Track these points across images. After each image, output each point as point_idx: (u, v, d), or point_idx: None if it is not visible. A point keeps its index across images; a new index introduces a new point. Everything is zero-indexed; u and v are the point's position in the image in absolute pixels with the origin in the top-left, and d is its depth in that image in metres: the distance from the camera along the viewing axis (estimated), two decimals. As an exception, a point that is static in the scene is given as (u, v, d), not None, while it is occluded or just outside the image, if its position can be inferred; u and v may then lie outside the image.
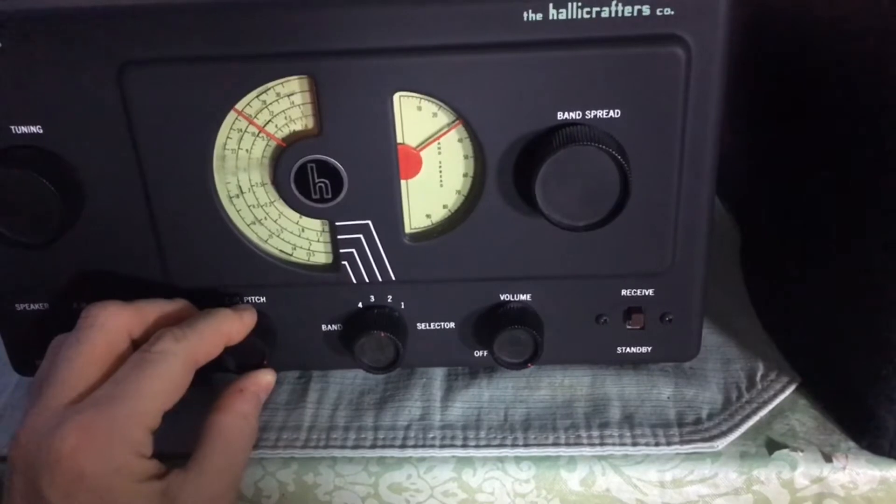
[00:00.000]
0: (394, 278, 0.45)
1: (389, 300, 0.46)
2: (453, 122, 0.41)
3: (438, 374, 0.50)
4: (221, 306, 0.46)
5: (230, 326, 0.43)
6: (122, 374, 0.38)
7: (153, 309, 0.42)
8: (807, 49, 0.47)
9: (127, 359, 0.40)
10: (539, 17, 0.38)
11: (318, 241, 0.44)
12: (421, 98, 0.40)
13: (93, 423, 0.36)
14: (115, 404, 0.37)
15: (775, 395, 0.47)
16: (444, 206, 0.44)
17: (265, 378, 0.45)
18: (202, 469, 0.39)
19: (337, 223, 0.43)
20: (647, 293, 0.45)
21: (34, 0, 0.40)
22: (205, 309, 0.43)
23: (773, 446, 0.44)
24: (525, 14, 0.38)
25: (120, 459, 0.37)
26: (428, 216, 0.44)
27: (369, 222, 0.43)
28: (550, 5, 0.38)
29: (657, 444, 0.45)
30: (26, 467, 0.36)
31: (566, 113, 0.40)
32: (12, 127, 0.41)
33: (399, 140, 0.41)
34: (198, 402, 0.42)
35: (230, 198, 0.43)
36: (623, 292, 0.45)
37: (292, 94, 0.41)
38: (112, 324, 0.40)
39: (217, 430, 0.41)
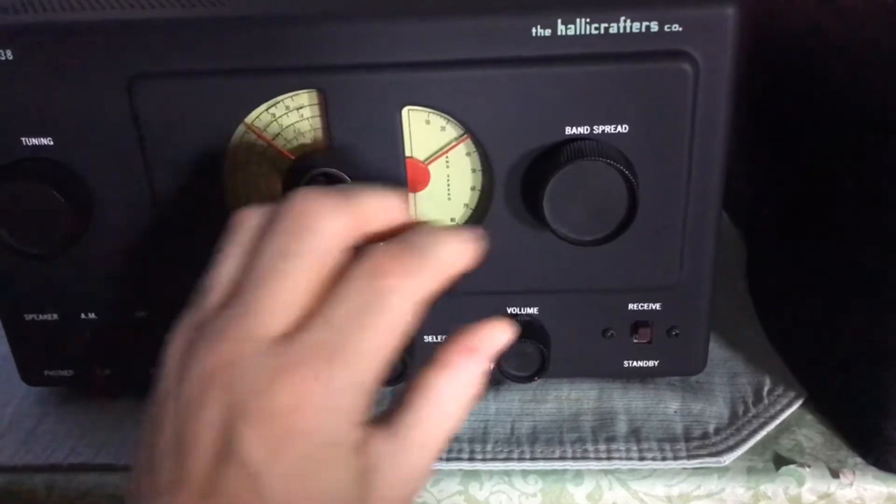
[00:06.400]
0: (401, 291, 0.45)
1: (397, 313, 0.46)
2: (461, 136, 0.41)
3: (445, 386, 0.50)
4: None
5: (458, 258, 0.34)
6: (342, 314, 0.30)
7: (374, 213, 0.33)
8: (813, 65, 0.47)
9: (340, 274, 0.31)
10: (548, 32, 0.38)
11: (326, 253, 0.45)
12: (429, 112, 0.41)
13: (317, 380, 0.30)
14: (339, 363, 0.30)
15: (782, 410, 0.47)
16: (452, 219, 0.44)
17: (503, 338, 0.35)
18: (408, 439, 0.32)
19: (345, 236, 0.43)
20: (653, 307, 0.45)
21: (46, 13, 0.41)
22: (419, 222, 0.35)
23: (780, 461, 0.44)
24: (534, 30, 0.38)
25: (337, 428, 0.30)
26: (435, 229, 0.44)
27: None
28: (559, 21, 0.38)
29: (664, 459, 0.45)
30: (223, 402, 0.29)
31: (574, 128, 0.40)
32: (23, 139, 0.41)
33: (407, 153, 0.41)
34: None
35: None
36: (630, 306, 0.45)
37: (301, 108, 0.41)
38: (329, 232, 0.31)
39: (434, 394, 0.33)
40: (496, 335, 0.35)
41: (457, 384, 0.34)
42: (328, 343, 0.30)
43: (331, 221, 0.32)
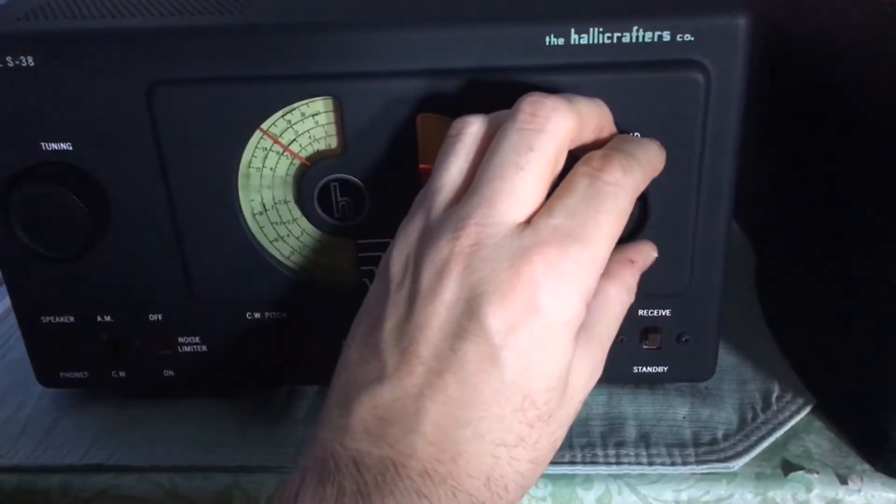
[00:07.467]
0: (413, 296, 0.45)
1: (409, 317, 0.46)
2: (475, 143, 0.42)
3: (455, 390, 0.50)
4: (243, 320, 0.46)
5: (659, 162, 0.38)
6: (577, 204, 0.34)
7: (590, 117, 0.37)
8: (824, 73, 0.47)
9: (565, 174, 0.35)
10: (561, 41, 0.39)
11: (341, 258, 0.45)
12: (443, 120, 0.41)
13: (558, 259, 0.32)
14: (578, 244, 0.33)
15: (791, 417, 0.47)
16: (465, 226, 0.44)
17: (653, 253, 0.41)
18: (590, 335, 0.36)
19: (359, 241, 0.44)
20: (663, 314, 0.46)
21: (66, 20, 0.41)
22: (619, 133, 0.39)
23: (788, 468, 0.45)
24: (547, 38, 0.39)
25: (573, 305, 0.33)
26: (448, 235, 0.44)
27: (391, 240, 0.44)
28: (572, 30, 0.39)
29: (673, 464, 0.45)
30: (466, 281, 0.32)
31: (586, 135, 0.40)
32: (43, 143, 0.42)
33: (421, 161, 0.42)
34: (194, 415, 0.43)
35: (254, 215, 0.44)
36: (640, 312, 0.46)
37: (317, 115, 0.41)
38: (562, 132, 0.35)
39: (604, 299, 0.37)
40: (647, 250, 0.40)
41: (623, 290, 0.38)
42: (568, 226, 0.33)
43: (563, 123, 0.35)
